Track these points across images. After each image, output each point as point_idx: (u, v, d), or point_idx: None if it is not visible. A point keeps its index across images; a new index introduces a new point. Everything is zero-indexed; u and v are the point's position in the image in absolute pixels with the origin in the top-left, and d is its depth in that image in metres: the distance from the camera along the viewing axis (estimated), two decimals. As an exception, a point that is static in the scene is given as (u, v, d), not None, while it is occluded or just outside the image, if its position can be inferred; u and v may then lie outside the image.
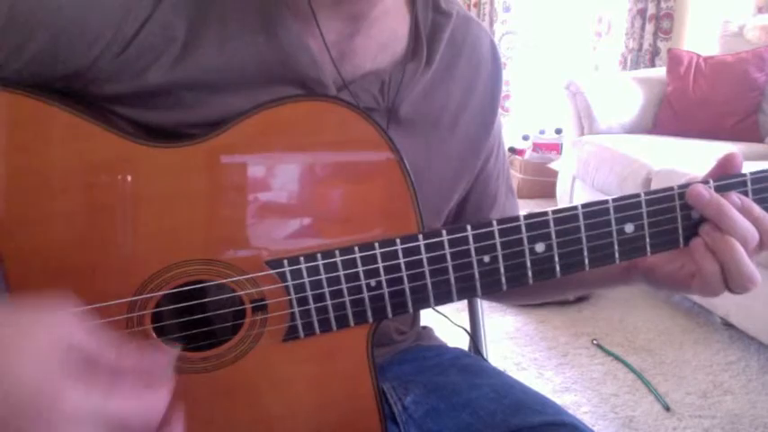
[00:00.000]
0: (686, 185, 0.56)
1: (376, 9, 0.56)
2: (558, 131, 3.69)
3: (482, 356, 0.88)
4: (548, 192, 3.38)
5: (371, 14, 0.57)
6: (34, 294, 0.40)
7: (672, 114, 2.84)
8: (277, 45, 0.56)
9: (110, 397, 0.39)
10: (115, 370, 0.40)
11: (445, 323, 0.80)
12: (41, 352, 0.37)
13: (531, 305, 2.23)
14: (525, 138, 3.93)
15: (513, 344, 2.01)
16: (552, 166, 3.27)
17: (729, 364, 1.88)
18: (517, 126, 4.05)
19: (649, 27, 3.76)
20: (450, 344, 0.83)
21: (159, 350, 0.43)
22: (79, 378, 0.38)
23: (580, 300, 2.27)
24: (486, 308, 0.95)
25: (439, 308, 0.59)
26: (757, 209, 0.55)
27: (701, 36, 3.44)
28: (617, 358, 1.91)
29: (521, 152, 3.87)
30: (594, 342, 2.00)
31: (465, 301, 0.91)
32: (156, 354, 0.43)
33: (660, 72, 3.04)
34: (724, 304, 1.97)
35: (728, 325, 2.03)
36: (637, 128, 2.90)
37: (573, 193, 2.87)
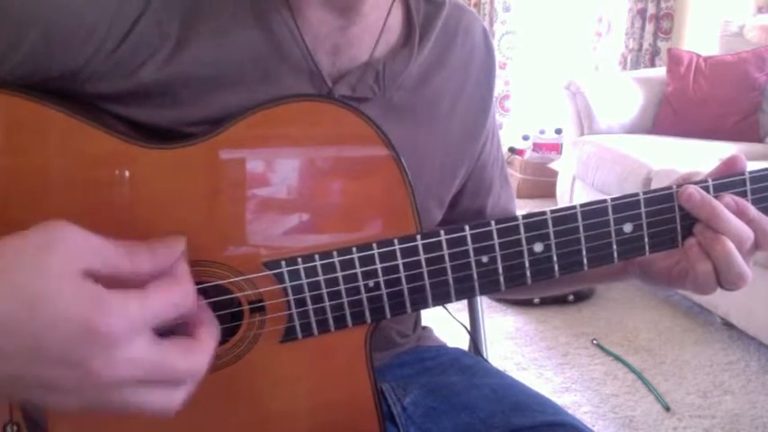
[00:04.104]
0: (684, 185, 0.55)
1: (367, 3, 0.56)
2: (558, 131, 3.69)
3: (482, 356, 0.88)
4: (548, 192, 3.38)
5: (363, 8, 0.56)
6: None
7: (672, 114, 2.84)
8: (271, 39, 0.56)
9: (145, 301, 0.40)
10: (136, 275, 0.42)
11: (445, 323, 0.80)
12: (65, 291, 0.38)
13: (531, 305, 2.23)
14: (525, 138, 3.92)
15: (513, 344, 2.01)
16: (552, 166, 3.27)
17: (729, 364, 1.88)
18: (517, 126, 4.05)
19: (649, 27, 3.76)
20: (450, 344, 0.82)
21: (167, 244, 0.45)
22: (111, 297, 0.39)
23: (580, 300, 2.27)
24: (486, 308, 0.95)
25: (439, 306, 0.59)
26: (753, 210, 0.55)
27: (701, 36, 3.44)
28: (617, 358, 1.90)
29: (521, 152, 3.86)
30: (594, 342, 2.00)
31: (465, 302, 0.91)
32: (166, 247, 0.44)
33: (660, 72, 3.04)
34: (724, 304, 1.97)
35: (728, 325, 2.03)
36: (637, 128, 2.90)
37: (573, 193, 2.87)
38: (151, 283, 0.42)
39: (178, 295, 0.42)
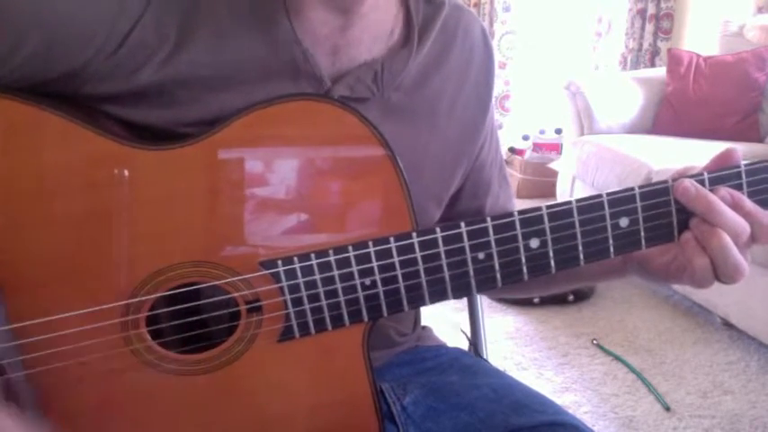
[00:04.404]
0: (679, 179, 0.55)
1: (366, 3, 0.56)
2: (558, 131, 3.69)
3: (482, 357, 0.87)
4: (548, 192, 3.38)
5: (362, 8, 0.56)
6: None
7: (672, 114, 2.84)
8: (270, 40, 0.56)
9: None
10: None
11: (445, 323, 0.80)
12: None
13: (531, 305, 2.22)
14: (525, 138, 3.92)
15: (513, 344, 2.01)
16: (552, 166, 3.26)
17: (729, 364, 1.88)
18: (517, 126, 4.04)
19: (649, 27, 3.76)
20: (450, 343, 0.82)
21: None
22: None
23: (580, 300, 2.27)
24: (486, 308, 0.95)
25: (438, 306, 0.58)
26: (748, 203, 0.55)
27: (701, 36, 3.44)
28: (617, 358, 1.90)
29: (521, 152, 3.86)
30: (594, 342, 2.00)
31: (464, 301, 0.91)
32: None
33: (660, 72, 3.04)
34: (724, 304, 1.97)
35: (728, 325, 2.03)
36: (637, 128, 2.90)
37: (573, 193, 2.87)
38: None
39: None
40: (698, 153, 2.38)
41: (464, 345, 0.87)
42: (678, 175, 0.56)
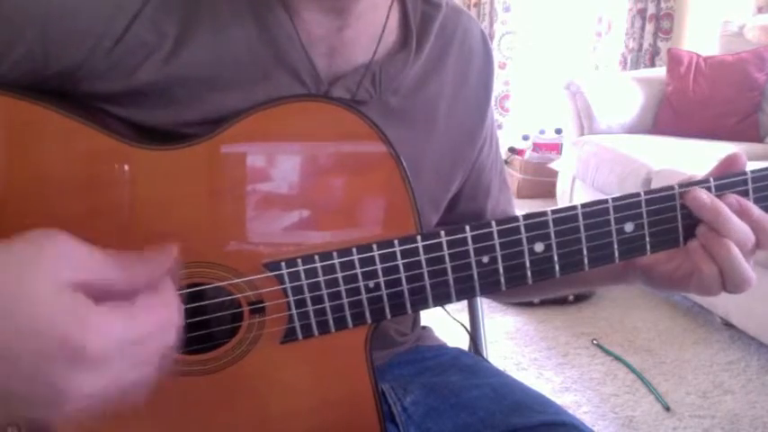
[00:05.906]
0: (686, 185, 0.55)
1: (360, 4, 0.56)
2: (558, 131, 3.69)
3: (482, 356, 0.88)
4: (548, 192, 3.38)
5: (357, 8, 0.56)
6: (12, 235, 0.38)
7: (672, 114, 2.84)
8: (269, 40, 0.56)
9: (130, 322, 0.39)
10: (129, 287, 0.40)
11: (445, 323, 0.80)
12: (46, 303, 0.36)
13: (531, 305, 2.23)
14: (525, 138, 3.93)
15: (513, 344, 2.01)
16: (552, 166, 3.27)
17: (729, 364, 1.88)
18: (517, 126, 4.05)
19: (649, 27, 3.76)
20: (450, 344, 0.82)
21: (158, 254, 0.43)
22: (96, 314, 0.37)
23: (580, 300, 2.27)
24: (486, 308, 0.95)
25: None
26: (756, 211, 0.55)
27: (701, 36, 3.44)
28: (617, 358, 1.90)
29: (521, 152, 3.87)
30: (594, 342, 2.00)
31: (465, 301, 0.91)
32: (157, 258, 0.43)
33: (660, 72, 3.04)
34: (724, 304, 1.97)
35: (728, 325, 2.03)
36: (637, 128, 2.90)
37: (573, 193, 2.87)
38: (139, 301, 0.40)
39: (165, 317, 0.41)
40: (698, 153, 2.39)
41: (465, 345, 0.87)
42: (684, 182, 0.56)
